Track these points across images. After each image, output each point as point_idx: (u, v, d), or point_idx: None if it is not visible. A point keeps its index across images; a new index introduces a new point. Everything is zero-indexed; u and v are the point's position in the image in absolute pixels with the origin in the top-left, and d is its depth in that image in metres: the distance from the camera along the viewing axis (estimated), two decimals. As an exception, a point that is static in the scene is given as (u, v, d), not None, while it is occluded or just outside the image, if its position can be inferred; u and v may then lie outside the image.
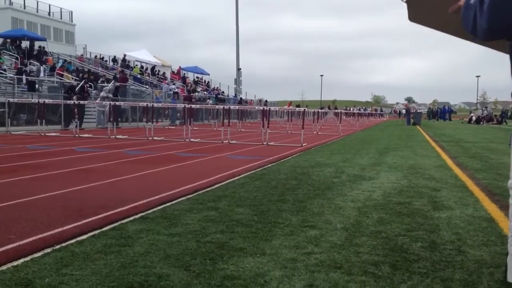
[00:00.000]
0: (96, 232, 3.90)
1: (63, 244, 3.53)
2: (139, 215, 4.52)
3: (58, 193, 5.58)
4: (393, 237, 3.91)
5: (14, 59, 28.31)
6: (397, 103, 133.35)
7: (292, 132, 20.12)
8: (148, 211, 4.68)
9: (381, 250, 3.52)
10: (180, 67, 49.33)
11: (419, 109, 45.78)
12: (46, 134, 16.10)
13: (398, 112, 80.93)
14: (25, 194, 5.38)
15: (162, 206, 4.94)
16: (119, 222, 4.23)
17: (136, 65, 41.97)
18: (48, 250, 3.40)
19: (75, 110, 17.93)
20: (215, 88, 50.09)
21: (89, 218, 4.32)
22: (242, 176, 7.21)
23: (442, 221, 4.46)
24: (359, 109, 48.14)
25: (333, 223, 4.32)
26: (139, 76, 37.71)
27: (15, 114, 20.14)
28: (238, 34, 52.84)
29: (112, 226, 4.10)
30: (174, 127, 23.43)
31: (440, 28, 1.59)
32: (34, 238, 3.65)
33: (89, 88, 23.57)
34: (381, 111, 64.73)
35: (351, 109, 51.98)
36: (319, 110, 25.72)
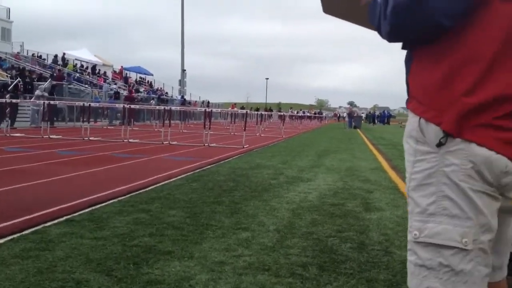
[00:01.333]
0: (16, 235, 3.67)
1: (-24, 250, 3.29)
2: (65, 217, 4.31)
3: (-22, 195, 5.23)
4: (324, 238, 3.93)
5: None
6: (339, 107, 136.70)
7: (235, 133, 20.09)
8: (75, 214, 4.47)
9: (310, 252, 3.52)
10: (122, 66, 48.16)
11: (361, 113, 47.05)
12: (-26, 133, 15.20)
13: (338, 115, 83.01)
14: None
15: (91, 208, 4.74)
16: (42, 225, 4.01)
17: (70, 62, 40.40)
18: (-42, 256, 3.16)
19: (7, 108, 17.04)
20: (159, 88, 49.29)
21: (10, 221, 4.07)
22: (179, 177, 7.07)
23: (373, 222, 4.54)
24: (303, 112, 48.89)
25: (266, 225, 4.29)
26: (78, 75, 36.49)
27: None
28: (183, 35, 52.31)
29: (33, 229, 3.88)
30: (112, 127, 22.80)
31: (352, 20, 1.58)
32: None
33: (21, 85, 22.48)
34: (320, 113, 66.11)
35: (295, 112, 52.67)
36: (263, 112, 25.84)
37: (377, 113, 67.72)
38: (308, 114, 41.68)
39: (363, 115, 56.91)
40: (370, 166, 9.52)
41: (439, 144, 1.22)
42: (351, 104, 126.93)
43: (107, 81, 40.28)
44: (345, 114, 75.34)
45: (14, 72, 25.35)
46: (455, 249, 1.21)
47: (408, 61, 1.35)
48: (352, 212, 5.02)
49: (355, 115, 39.69)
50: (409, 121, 1.32)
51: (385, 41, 1.32)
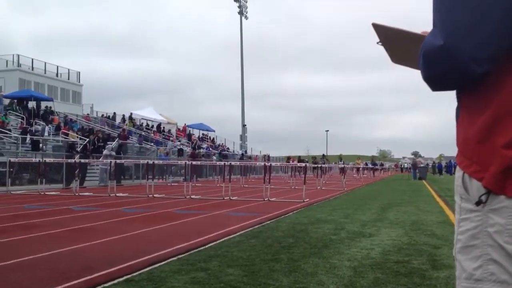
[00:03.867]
0: (76, 296, 3.73)
1: (38, 310, 3.36)
2: (124, 277, 4.35)
3: (46, 254, 5.42)
4: (388, 299, 3.71)
5: (20, 119, 28.72)
6: (403, 158, 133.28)
7: (296, 187, 19.93)
8: (134, 273, 4.50)
9: (373, 314, 3.32)
10: (185, 124, 49.88)
11: (426, 164, 45.58)
12: (46, 193, 16.02)
13: (401, 166, 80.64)
14: (12, 256, 5.22)
15: (150, 267, 4.77)
16: (102, 286, 4.06)
17: (136, 121, 42.30)
18: (21, 317, 3.23)
19: (77, 169, 17.94)
20: (220, 144, 50.39)
21: (72, 282, 4.16)
22: (238, 234, 7.02)
23: (441, 281, 4.25)
24: (367, 164, 47.95)
25: (326, 284, 4.12)
26: (144, 133, 38.08)
27: (18, 173, 20.16)
28: (243, 90, 53.80)
29: (93, 290, 3.93)
30: (176, 184, 23.32)
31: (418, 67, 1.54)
32: (8, 304, 3.48)
33: (92, 146, 23.68)
34: (382, 165, 64.68)
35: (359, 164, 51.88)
36: (322, 165, 25.61)
37: (443, 163, 65.21)
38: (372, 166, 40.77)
39: (429, 166, 54.99)
40: (437, 220, 9.06)
41: (479, 202, 1.12)
42: (415, 154, 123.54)
43: (171, 138, 41.71)
44: (406, 165, 73.27)
45: (87, 134, 26.79)
46: None
47: (457, 111, 1.27)
48: (418, 270, 4.73)
49: (420, 165, 38.47)
50: (456, 176, 1.24)
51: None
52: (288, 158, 37.72)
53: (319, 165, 24.68)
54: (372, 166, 39.91)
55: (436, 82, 1.20)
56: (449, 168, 62.03)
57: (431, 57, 1.14)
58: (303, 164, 18.78)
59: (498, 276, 1.10)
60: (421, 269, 4.76)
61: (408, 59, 1.51)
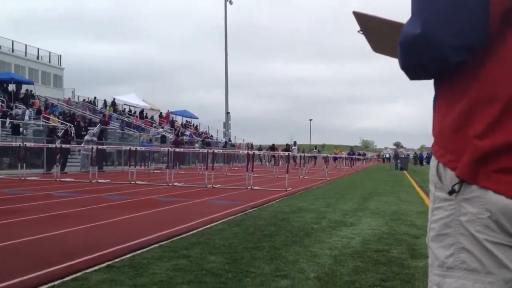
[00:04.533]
0: (57, 282, 3.72)
1: (18, 296, 3.34)
2: (106, 263, 4.34)
3: (26, 239, 5.37)
4: (367, 287, 3.77)
5: (-1, 103, 28.24)
6: (385, 148, 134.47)
7: (279, 176, 20.01)
8: (116, 260, 4.50)
9: (353, 302, 3.37)
10: (168, 111, 49.52)
11: (407, 154, 46.00)
12: (27, 178, 15.83)
13: (382, 157, 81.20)
14: (-9, 241, 5.17)
15: (132, 254, 4.76)
16: (83, 272, 4.04)
17: (119, 107, 41.84)
18: (1, 302, 3.21)
19: (58, 154, 17.73)
20: (204, 131, 50.21)
21: (52, 267, 4.13)
22: (220, 222, 7.04)
23: (419, 271, 4.33)
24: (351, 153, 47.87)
25: (307, 272, 4.17)
26: (126, 119, 37.73)
27: (-2, 157, 19.86)
28: (227, 78, 53.56)
29: (74, 276, 3.92)
30: (159, 171, 23.21)
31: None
32: (-12, 289, 3.46)
33: (72, 131, 23.42)
34: (364, 155, 64.84)
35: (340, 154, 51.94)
36: (305, 154, 25.73)
37: (424, 154, 66.00)
38: (337, 156, 39.99)
39: (410, 156, 55.52)
40: (417, 210, 9.20)
41: (452, 192, 1.14)
42: (397, 145, 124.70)
43: (154, 125, 41.41)
44: (388, 155, 73.63)
45: (65, 117, 26.44)
46: None
47: (434, 100, 1.28)
48: (397, 259, 4.82)
49: (401, 156, 38.87)
50: (431, 165, 1.26)
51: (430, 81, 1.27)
52: (273, 147, 37.57)
53: (290, 153, 24.75)
54: (350, 156, 39.43)
55: (413, 71, 1.21)
56: (430, 159, 62.91)
57: (408, 46, 1.14)
58: (286, 153, 18.82)
59: (469, 264, 1.12)
60: (400, 258, 4.84)
61: (388, 48, 1.51)
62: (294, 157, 29.31)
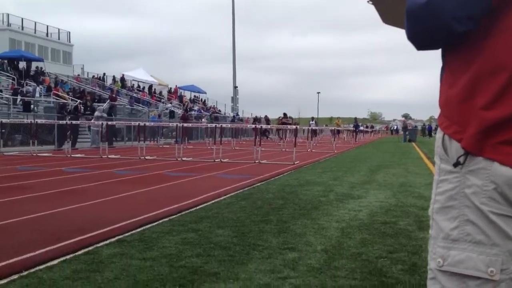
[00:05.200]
0: (68, 256, 3.80)
1: (32, 270, 3.43)
2: (116, 238, 4.42)
3: (37, 215, 5.47)
4: (374, 259, 3.81)
5: (10, 80, 28.33)
6: (393, 120, 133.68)
7: (287, 150, 20.04)
8: (126, 234, 4.58)
9: (359, 274, 3.42)
10: (176, 86, 49.46)
11: (415, 126, 45.63)
12: (38, 154, 15.99)
13: (390, 129, 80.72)
14: (3, 217, 5.27)
15: (141, 228, 4.84)
16: (94, 246, 4.13)
17: (126, 81, 41.89)
18: (15, 276, 3.30)
19: (68, 130, 17.86)
20: (212, 106, 50.16)
21: (63, 242, 4.22)
22: (228, 195, 7.11)
23: (426, 242, 4.35)
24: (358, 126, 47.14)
25: (314, 245, 4.22)
26: (135, 95, 37.76)
27: (10, 134, 20.04)
28: (235, 52, 53.14)
29: (85, 250, 4.00)
30: (168, 146, 23.33)
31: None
32: (2, 264, 3.54)
33: (81, 107, 23.53)
34: (372, 127, 64.28)
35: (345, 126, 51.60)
36: (313, 127, 25.67)
37: (433, 125, 65.53)
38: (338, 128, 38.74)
39: (419, 128, 55.17)
40: (425, 182, 9.20)
41: (457, 164, 1.14)
42: (406, 116, 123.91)
43: (163, 100, 41.44)
44: (396, 127, 73.01)
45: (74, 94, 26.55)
46: (481, 280, 1.11)
47: (442, 71, 1.27)
48: (404, 231, 4.85)
49: (409, 127, 38.66)
50: (436, 136, 1.25)
51: (438, 51, 1.26)
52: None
53: (298, 127, 24.71)
54: (354, 129, 38.28)
55: (419, 40, 1.20)
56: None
57: (415, 15, 1.14)
58: (294, 127, 18.80)
59: (473, 237, 1.12)
60: (407, 230, 4.88)
61: (398, 19, 1.49)
62: (316, 131, 28.99)
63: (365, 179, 9.64)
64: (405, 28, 1.20)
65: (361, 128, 46.37)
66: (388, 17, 1.58)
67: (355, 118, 44.10)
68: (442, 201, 1.19)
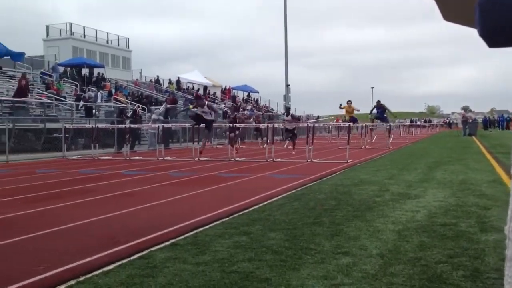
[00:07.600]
0: (124, 261, 3.87)
1: (88, 275, 3.51)
2: (170, 241, 4.47)
3: (95, 219, 5.63)
4: (433, 264, 3.64)
5: (74, 86, 29.57)
6: (452, 113, 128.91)
7: (340, 147, 19.74)
8: (180, 237, 4.62)
9: (417, 281, 3.28)
10: (230, 86, 49.92)
11: (475, 119, 43.70)
12: (99, 158, 16.58)
13: (449, 122, 77.63)
14: (64, 222, 5.46)
15: (195, 231, 4.88)
16: (149, 250, 4.19)
17: (183, 85, 42.79)
18: (73, 282, 3.39)
19: (127, 134, 18.40)
20: (264, 105, 50.25)
21: (120, 246, 4.31)
22: (281, 196, 7.06)
23: (489, 245, 4.13)
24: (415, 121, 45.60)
25: (369, 249, 4.09)
26: (190, 97, 38.45)
27: (73, 139, 20.89)
28: (287, 50, 52.93)
29: (140, 254, 4.06)
30: (221, 147, 23.58)
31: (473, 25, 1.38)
32: (61, 269, 3.66)
33: (142, 112, 24.20)
34: (430, 121, 61.94)
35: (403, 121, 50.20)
36: (367, 124, 25.06)
37: (495, 117, 62.49)
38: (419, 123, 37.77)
39: (479, 121, 52.83)
40: (487, 179, 8.77)
41: None
42: (465, 109, 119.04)
43: (217, 101, 41.94)
44: (455, 121, 69.99)
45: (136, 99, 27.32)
46: None
47: None
48: (465, 233, 4.62)
49: (469, 121, 37.10)
50: None
51: None
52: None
53: (351, 124, 24.17)
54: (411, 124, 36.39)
55: (493, 36, 1.06)
56: (501, 123, 59.43)
57: (488, 8, 1.02)
58: (347, 124, 18.45)
59: None
60: (469, 232, 4.64)
61: (462, 14, 1.37)
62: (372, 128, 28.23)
63: (423, 177, 9.30)
64: (477, 24, 1.07)
65: (418, 123, 45.07)
66: (450, 12, 1.45)
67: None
68: None
